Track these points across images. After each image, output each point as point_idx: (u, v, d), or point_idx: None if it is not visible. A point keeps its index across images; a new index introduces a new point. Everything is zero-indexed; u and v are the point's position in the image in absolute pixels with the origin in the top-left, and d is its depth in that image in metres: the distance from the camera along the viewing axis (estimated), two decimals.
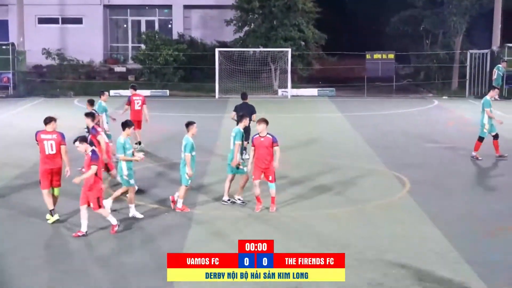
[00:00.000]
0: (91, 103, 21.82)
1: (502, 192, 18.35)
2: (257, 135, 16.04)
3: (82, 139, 14.60)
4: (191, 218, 15.61)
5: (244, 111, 20.26)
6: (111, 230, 14.40)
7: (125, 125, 16.02)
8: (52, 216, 15.30)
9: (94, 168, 14.12)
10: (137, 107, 24.54)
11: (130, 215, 15.66)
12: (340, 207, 16.60)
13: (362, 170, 21.10)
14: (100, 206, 14.31)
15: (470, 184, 19.28)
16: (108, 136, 21.49)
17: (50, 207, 15.38)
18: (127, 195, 15.90)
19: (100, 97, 22.97)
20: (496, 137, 22.49)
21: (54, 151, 15.33)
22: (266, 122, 15.98)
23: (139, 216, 15.64)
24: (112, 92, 44.12)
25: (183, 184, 16.09)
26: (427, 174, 20.37)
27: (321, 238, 14.15)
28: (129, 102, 24.72)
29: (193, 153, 15.99)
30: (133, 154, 16.05)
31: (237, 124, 17.47)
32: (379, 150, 24.27)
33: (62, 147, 15.47)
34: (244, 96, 23.20)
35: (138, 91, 25.58)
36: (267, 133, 15.94)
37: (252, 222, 15.36)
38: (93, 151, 14.38)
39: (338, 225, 15.14)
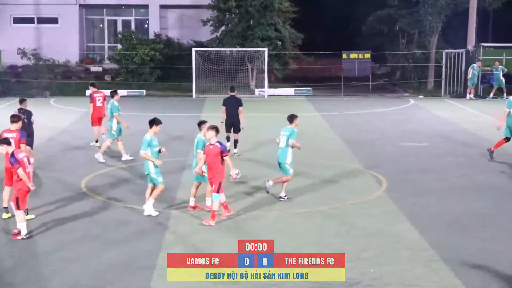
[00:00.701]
0: (21, 102, 21.88)
1: (479, 190, 18.51)
2: (208, 143, 15.58)
3: (3, 142, 14.39)
4: (168, 218, 15.62)
5: (232, 104, 22.94)
6: (14, 236, 14.15)
7: (153, 122, 16.03)
8: (7, 213, 15.50)
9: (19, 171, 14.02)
10: (98, 104, 25.09)
11: (145, 212, 15.65)
12: (316, 206, 16.66)
13: (338, 169, 21.20)
14: (18, 208, 14.14)
15: (446, 182, 19.41)
16: (112, 135, 22.16)
17: (5, 204, 15.50)
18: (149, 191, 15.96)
19: (113, 97, 22.85)
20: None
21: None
22: (216, 129, 15.30)
23: (154, 214, 15.62)
24: (87, 92, 43.95)
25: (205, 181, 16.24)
26: (404, 173, 20.50)
27: (298, 237, 14.20)
28: (92, 99, 25.19)
29: None
30: (159, 151, 16.20)
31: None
32: (356, 149, 24.39)
33: (22, 145, 15.48)
34: (232, 89, 23.99)
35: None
36: (217, 141, 15.20)
37: (230, 222, 15.38)
38: (12, 154, 14.17)
39: (314, 224, 15.20)
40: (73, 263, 12.58)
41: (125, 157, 22.51)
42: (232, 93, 23.67)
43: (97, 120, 25.10)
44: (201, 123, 16.45)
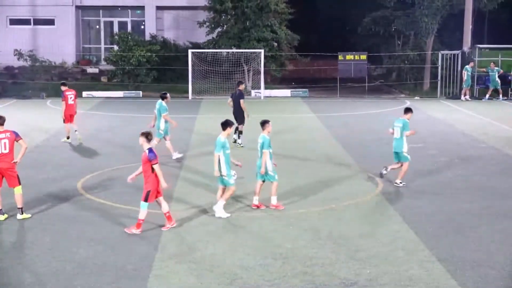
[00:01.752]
0: None
1: (473, 191, 18.56)
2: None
3: None
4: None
5: (234, 98, 25.36)
6: None
7: (226, 124, 15.99)
8: (3, 214, 15.55)
9: None
10: (70, 101, 26.28)
11: (216, 213, 15.70)
12: (312, 207, 16.69)
13: (334, 169, 21.25)
14: None
15: (441, 183, 19.45)
16: (159, 135, 22.53)
17: None
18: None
19: (163, 99, 23.15)
20: None
21: (7, 150, 15.34)
22: (146, 135, 14.76)
23: (225, 215, 15.62)
24: (84, 93, 44.02)
25: (260, 178, 16.47)
26: (399, 174, 20.52)
27: (293, 238, 14.22)
28: (64, 97, 26.21)
29: (271, 150, 16.36)
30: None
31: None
32: (351, 150, 24.44)
33: (20, 141, 15.59)
34: (241, 86, 26.12)
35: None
36: (147, 148, 14.74)
37: (226, 223, 15.41)
38: None
39: (310, 224, 15.22)
40: (68, 264, 12.58)
41: (175, 155, 22.81)
42: (238, 88, 25.84)
43: (69, 117, 26.12)
44: (264, 123, 16.78)
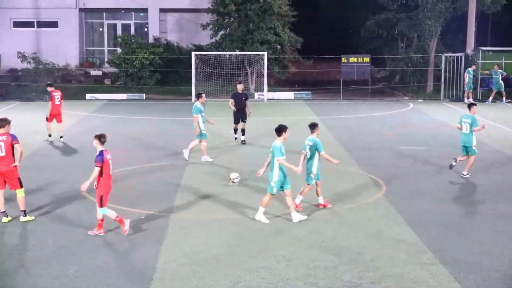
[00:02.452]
0: None
1: (476, 193, 18.56)
2: None
3: None
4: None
5: (239, 98, 26.59)
6: None
7: (281, 130, 15.95)
8: (7, 217, 15.58)
9: None
10: (57, 102, 27.15)
11: (257, 217, 15.62)
12: (314, 209, 16.68)
13: (337, 172, 21.23)
14: None
15: (444, 186, 19.44)
16: (204, 135, 22.66)
17: (1, 209, 15.56)
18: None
19: (197, 99, 23.37)
20: None
21: (3, 153, 15.33)
22: (98, 137, 14.75)
23: (265, 221, 15.54)
24: (88, 95, 44.08)
25: (311, 182, 16.61)
26: (402, 176, 20.54)
27: (297, 240, 14.22)
28: (51, 98, 26.96)
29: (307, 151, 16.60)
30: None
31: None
32: (354, 153, 24.42)
33: (16, 145, 15.48)
34: (239, 86, 27.46)
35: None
36: (99, 150, 14.73)
37: (229, 225, 15.40)
38: None
39: (313, 227, 15.21)
40: (71, 267, 12.59)
41: (205, 158, 22.87)
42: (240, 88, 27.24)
43: (53, 116, 26.91)
44: (313, 126, 17.04)
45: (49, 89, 27.40)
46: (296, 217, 15.65)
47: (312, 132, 16.90)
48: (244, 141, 26.45)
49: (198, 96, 23.56)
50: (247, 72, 45.92)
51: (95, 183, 14.48)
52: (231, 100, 26.88)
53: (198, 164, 22.42)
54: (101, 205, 14.42)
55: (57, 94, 27.25)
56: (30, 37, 53.46)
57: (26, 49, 47.66)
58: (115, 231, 14.81)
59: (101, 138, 14.65)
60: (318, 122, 32.99)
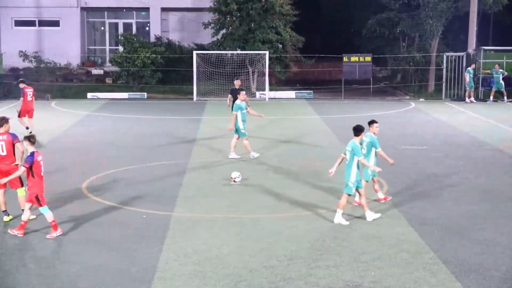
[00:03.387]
0: None
1: (478, 193, 18.53)
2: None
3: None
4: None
5: (234, 93, 26.70)
6: None
7: (359, 130, 15.85)
8: (8, 216, 15.65)
9: None
10: (29, 98, 27.74)
11: (336, 221, 15.50)
12: (316, 209, 16.68)
13: (338, 171, 21.20)
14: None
15: (446, 185, 19.42)
16: (242, 134, 22.66)
17: (3, 208, 15.61)
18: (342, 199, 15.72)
19: (238, 94, 23.55)
20: None
21: (4, 153, 15.33)
22: (28, 138, 14.46)
23: (345, 223, 15.49)
24: (89, 94, 44.11)
25: (368, 178, 16.57)
26: (403, 176, 20.52)
27: (298, 240, 14.22)
28: (23, 94, 27.45)
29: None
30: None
31: None
32: None
33: (17, 144, 15.50)
34: (236, 82, 28.90)
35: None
36: (30, 152, 14.42)
37: (230, 225, 15.41)
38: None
39: (314, 226, 15.21)
40: (72, 266, 12.59)
41: (252, 154, 22.94)
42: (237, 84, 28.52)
43: (25, 112, 27.50)
44: (372, 122, 17.07)
45: (22, 85, 27.93)
46: (370, 215, 15.68)
47: (369, 128, 16.99)
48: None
49: (238, 93, 23.54)
50: (248, 71, 45.92)
51: (29, 184, 14.39)
52: (229, 96, 28.51)
53: (199, 163, 22.43)
54: (40, 204, 14.36)
55: (29, 91, 27.80)
56: (31, 36, 53.49)
57: (27, 48, 47.70)
58: (119, 231, 14.82)
59: (30, 139, 14.60)
60: (320, 121, 33.29)
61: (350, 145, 15.58)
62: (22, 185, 15.61)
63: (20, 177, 15.60)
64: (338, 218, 15.47)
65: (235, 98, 26.77)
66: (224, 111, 33.73)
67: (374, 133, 17.02)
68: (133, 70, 45.70)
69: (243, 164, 21.98)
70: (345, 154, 15.69)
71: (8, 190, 15.81)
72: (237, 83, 28.84)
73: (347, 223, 15.44)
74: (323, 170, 21.53)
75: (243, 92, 23.73)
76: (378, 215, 15.81)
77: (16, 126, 25.97)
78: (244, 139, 22.87)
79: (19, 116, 27.43)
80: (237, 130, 22.80)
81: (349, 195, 15.64)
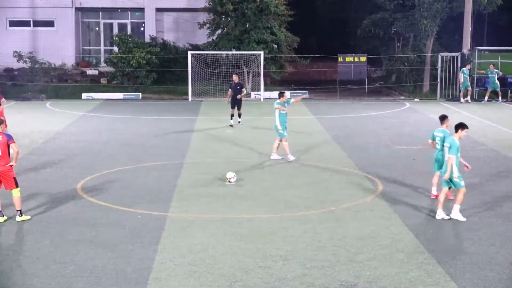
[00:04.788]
0: None
1: (472, 194, 18.51)
2: None
3: None
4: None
5: (235, 87, 31.14)
6: None
7: (460, 126, 15.96)
8: (3, 216, 15.59)
9: None
10: None
11: (453, 216, 15.64)
12: (311, 209, 16.69)
13: (333, 171, 21.25)
14: None
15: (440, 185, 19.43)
16: (281, 134, 22.59)
17: None
18: (458, 195, 15.77)
19: (279, 98, 23.13)
20: None
21: None
22: None
23: (462, 219, 15.56)
24: (84, 95, 44.07)
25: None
26: (398, 176, 20.55)
27: (293, 240, 14.22)
28: None
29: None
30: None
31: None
32: (351, 152, 24.45)
33: (12, 145, 15.48)
34: (235, 77, 32.24)
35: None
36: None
37: (225, 225, 15.40)
38: None
39: (310, 227, 15.21)
40: (68, 267, 12.57)
41: (289, 157, 22.78)
42: (234, 80, 31.76)
43: None
44: (443, 118, 17.23)
45: None
46: (441, 214, 15.77)
47: (442, 124, 17.14)
48: (239, 122, 31.44)
49: (280, 94, 23.26)
50: (243, 72, 45.91)
51: None
52: (229, 91, 31.60)
53: (194, 164, 22.43)
54: None
55: None
56: (26, 36, 53.37)
57: (22, 49, 47.61)
58: (114, 232, 14.80)
59: None
60: (315, 121, 33.34)
61: (448, 141, 15.84)
62: (17, 186, 15.59)
63: (15, 178, 15.59)
64: (455, 214, 15.68)
65: (235, 93, 31.09)
66: (219, 111, 33.81)
67: (447, 126, 17.20)
68: (128, 70, 45.64)
69: (238, 165, 21.96)
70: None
71: (2, 191, 15.78)
72: (235, 78, 31.93)
73: (464, 219, 15.66)
74: (318, 170, 21.58)
75: (285, 94, 23.59)
76: (464, 219, 15.70)
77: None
78: (284, 139, 22.70)
79: None
80: (276, 129, 22.73)
81: (461, 188, 15.65)
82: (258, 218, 15.98)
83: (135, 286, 11.68)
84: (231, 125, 30.86)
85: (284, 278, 11.97)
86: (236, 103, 31.23)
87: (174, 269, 12.42)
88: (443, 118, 17.38)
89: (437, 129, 17.35)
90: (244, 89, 31.92)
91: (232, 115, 31.23)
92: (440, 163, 16.97)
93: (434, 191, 17.63)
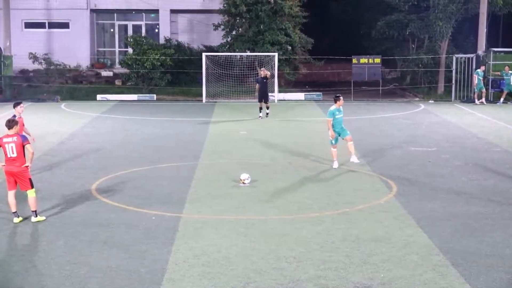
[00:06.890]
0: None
1: (487, 195, 18.46)
2: None
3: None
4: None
5: (263, 82, 34.19)
6: None
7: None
8: (18, 217, 15.61)
9: None
10: None
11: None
12: (324, 210, 16.66)
13: (348, 173, 21.21)
14: None
15: (455, 187, 19.37)
16: (330, 141, 22.07)
17: (13, 209, 15.59)
18: None
19: (335, 102, 22.61)
20: None
21: (15, 154, 15.38)
22: None
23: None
24: (99, 96, 44.22)
25: None
26: (412, 178, 20.48)
27: (307, 241, 14.20)
28: None
29: None
30: None
31: None
32: (365, 154, 24.39)
33: (27, 146, 15.57)
34: (261, 71, 34.78)
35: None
36: None
37: (239, 226, 15.41)
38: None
39: (323, 228, 15.19)
40: (82, 267, 12.61)
41: (353, 158, 22.63)
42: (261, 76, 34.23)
43: None
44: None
45: None
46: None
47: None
48: (268, 114, 34.53)
49: (336, 98, 22.58)
50: (257, 73, 45.86)
51: None
52: (257, 85, 34.78)
53: (208, 165, 22.46)
54: None
55: None
56: (41, 38, 53.70)
57: (37, 50, 47.90)
58: (128, 233, 14.84)
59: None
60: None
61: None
62: (32, 187, 15.66)
63: (30, 179, 15.67)
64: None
65: (261, 87, 34.17)
66: (233, 112, 33.86)
67: None
68: (143, 72, 45.78)
69: (252, 166, 21.96)
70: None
71: (18, 192, 15.86)
72: (262, 72, 34.58)
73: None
74: (332, 171, 21.54)
75: (340, 98, 22.61)
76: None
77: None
78: (332, 146, 22.32)
79: None
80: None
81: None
82: (271, 219, 15.98)
83: (149, 286, 11.70)
84: (260, 117, 34.30)
85: (298, 280, 11.96)
86: (263, 96, 34.17)
87: (188, 270, 12.44)
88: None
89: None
90: (268, 73, 35.19)
91: (260, 108, 34.38)
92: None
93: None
